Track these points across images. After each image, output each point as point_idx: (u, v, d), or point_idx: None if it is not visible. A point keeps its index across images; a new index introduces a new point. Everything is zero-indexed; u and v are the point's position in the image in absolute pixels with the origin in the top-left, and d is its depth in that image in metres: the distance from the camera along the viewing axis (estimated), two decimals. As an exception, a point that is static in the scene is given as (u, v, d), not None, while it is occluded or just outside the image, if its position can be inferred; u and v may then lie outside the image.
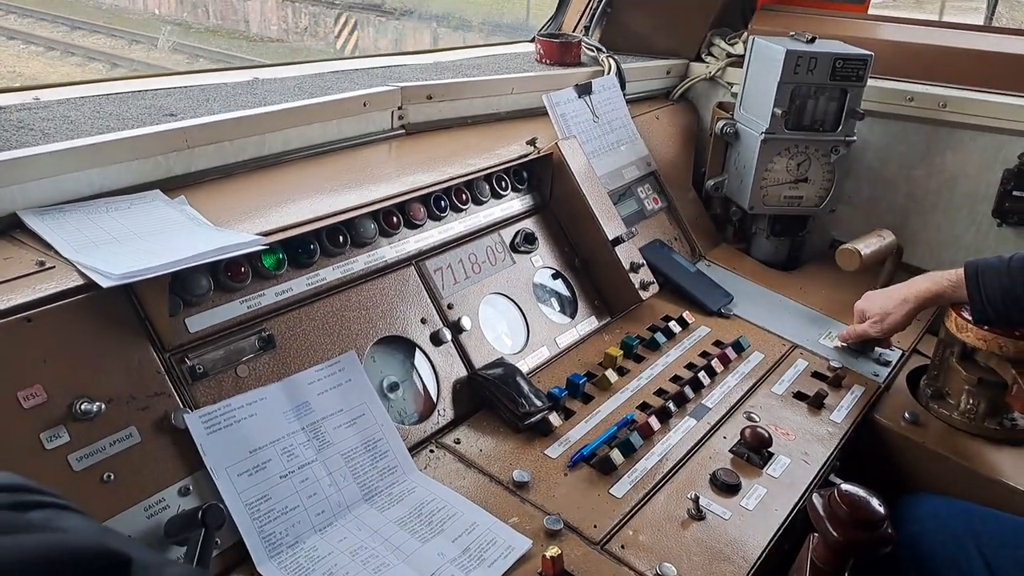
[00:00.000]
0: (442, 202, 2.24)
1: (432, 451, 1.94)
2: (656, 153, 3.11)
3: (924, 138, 3.03)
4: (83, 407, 1.47)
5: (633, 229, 2.62)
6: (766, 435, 2.04)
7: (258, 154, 2.24)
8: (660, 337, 2.46)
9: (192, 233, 1.78)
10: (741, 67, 3.09)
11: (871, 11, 3.63)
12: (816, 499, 1.61)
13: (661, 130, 3.25)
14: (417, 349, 2.06)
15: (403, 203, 2.14)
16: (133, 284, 1.56)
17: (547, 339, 2.34)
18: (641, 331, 2.50)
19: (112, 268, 1.54)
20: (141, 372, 1.59)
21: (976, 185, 2.95)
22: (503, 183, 2.43)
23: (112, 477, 1.49)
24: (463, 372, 2.11)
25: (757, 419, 2.20)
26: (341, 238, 1.98)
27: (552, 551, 1.62)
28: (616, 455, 1.94)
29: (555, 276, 2.49)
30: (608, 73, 3.10)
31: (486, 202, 2.37)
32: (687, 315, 2.60)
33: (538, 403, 2.03)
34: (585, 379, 2.21)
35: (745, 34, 3.32)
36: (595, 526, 1.76)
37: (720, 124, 3.12)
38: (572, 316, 2.45)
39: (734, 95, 3.21)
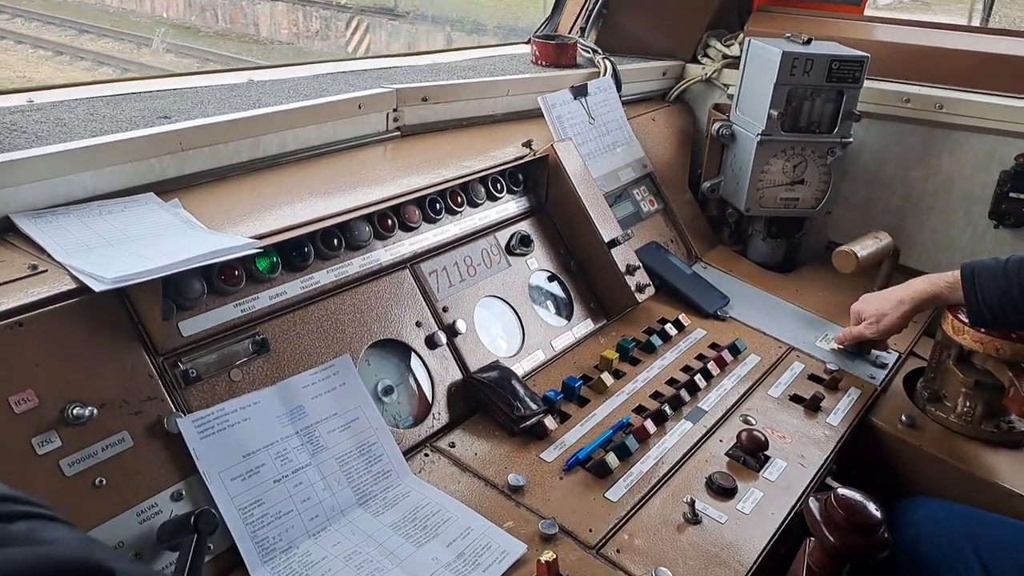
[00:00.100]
0: (437, 204, 2.23)
1: (427, 455, 1.94)
2: (652, 155, 3.10)
3: (920, 140, 3.02)
4: (75, 412, 1.46)
5: (629, 231, 2.62)
6: (762, 438, 2.03)
7: (252, 156, 2.23)
8: (656, 340, 2.46)
9: (186, 236, 1.77)
10: (737, 69, 3.08)
11: (878, 15, 3.62)
12: (812, 503, 1.61)
13: (657, 132, 3.24)
14: (412, 352, 2.06)
15: (398, 205, 2.13)
16: (126, 288, 1.55)
17: (542, 342, 2.33)
18: (637, 334, 2.50)
19: (105, 272, 1.53)
20: (134, 376, 1.58)
21: (972, 186, 2.95)
22: (499, 185, 2.42)
23: (104, 482, 1.48)
24: (458, 375, 2.10)
25: (753, 422, 2.20)
26: (335, 241, 1.97)
27: (547, 555, 1.61)
28: (612, 459, 1.93)
29: (551, 279, 2.48)
30: (604, 75, 3.10)
31: (481, 204, 2.36)
32: (683, 317, 2.59)
33: (533, 406, 2.02)
34: (581, 382, 2.20)
35: (741, 35, 3.32)
36: (590, 530, 1.75)
37: (716, 126, 3.11)
38: (568, 319, 2.45)
39: (730, 97, 3.20)
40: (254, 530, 1.59)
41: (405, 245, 2.14)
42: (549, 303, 2.45)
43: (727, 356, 2.43)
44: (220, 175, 2.16)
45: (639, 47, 3.47)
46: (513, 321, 2.32)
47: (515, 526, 1.74)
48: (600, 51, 3.24)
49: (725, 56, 3.34)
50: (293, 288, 1.88)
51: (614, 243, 2.50)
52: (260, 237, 1.81)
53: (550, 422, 2.04)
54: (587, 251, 2.53)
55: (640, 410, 2.18)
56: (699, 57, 3.44)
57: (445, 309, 2.16)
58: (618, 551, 1.72)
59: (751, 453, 2.03)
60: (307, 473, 1.71)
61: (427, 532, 1.69)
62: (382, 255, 2.08)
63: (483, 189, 2.37)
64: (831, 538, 1.54)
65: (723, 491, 1.92)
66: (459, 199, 2.30)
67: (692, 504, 1.83)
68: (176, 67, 17.50)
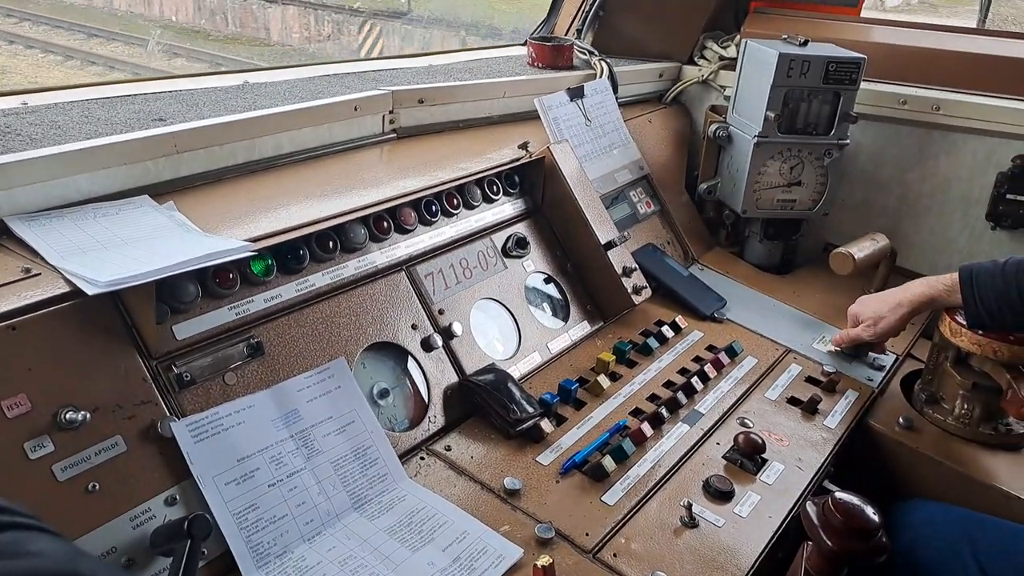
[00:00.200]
0: (433, 207, 2.22)
1: (423, 458, 1.93)
2: (649, 157, 3.10)
3: (917, 141, 3.02)
4: (68, 416, 1.46)
5: (626, 233, 2.61)
6: (759, 441, 2.03)
7: (248, 159, 2.23)
8: (653, 342, 2.45)
9: (180, 239, 1.76)
10: (734, 70, 3.08)
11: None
12: (810, 507, 1.60)
13: (654, 133, 3.24)
14: (408, 355, 2.05)
15: (394, 208, 2.12)
16: (119, 291, 1.54)
17: (539, 344, 2.32)
18: (634, 336, 2.49)
19: (98, 275, 1.52)
20: (127, 380, 1.57)
21: (969, 188, 2.95)
22: (495, 187, 2.41)
23: (97, 487, 1.47)
24: (454, 378, 2.10)
25: (750, 425, 2.19)
26: (331, 244, 1.96)
27: (543, 560, 1.61)
28: (608, 462, 1.93)
29: (547, 281, 2.48)
30: (600, 76, 3.09)
31: (478, 207, 2.35)
32: (680, 320, 2.58)
33: (529, 409, 2.01)
34: (577, 385, 2.19)
35: (738, 37, 3.31)
36: (587, 534, 1.75)
37: (713, 127, 3.11)
38: (564, 321, 2.44)
39: (727, 98, 3.20)
40: (248, 535, 1.58)
41: (401, 247, 2.13)
42: (545, 305, 2.44)
43: (724, 358, 2.43)
44: (215, 177, 2.15)
45: (635, 49, 3.47)
46: (509, 323, 2.31)
47: (511, 530, 1.73)
48: (596, 53, 3.24)
49: (722, 58, 3.34)
50: (288, 291, 1.87)
51: (611, 245, 2.50)
52: (255, 240, 1.80)
53: (546, 425, 2.03)
54: (583, 253, 2.52)
55: (637, 413, 2.17)
56: (695, 59, 3.43)
57: (441, 312, 2.15)
58: (615, 555, 1.71)
59: (748, 456, 2.03)
60: (302, 477, 1.70)
61: (423, 536, 1.68)
62: (378, 257, 2.07)
63: (479, 191, 2.37)
64: (829, 542, 1.53)
65: (720, 494, 1.91)
66: (455, 201, 2.29)
67: (689, 508, 1.82)
68: (188, 72, 17.42)
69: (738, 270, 3.06)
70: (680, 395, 2.22)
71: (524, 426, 1.99)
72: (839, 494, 1.59)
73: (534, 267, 2.44)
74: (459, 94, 2.75)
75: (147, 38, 19.32)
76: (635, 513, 1.84)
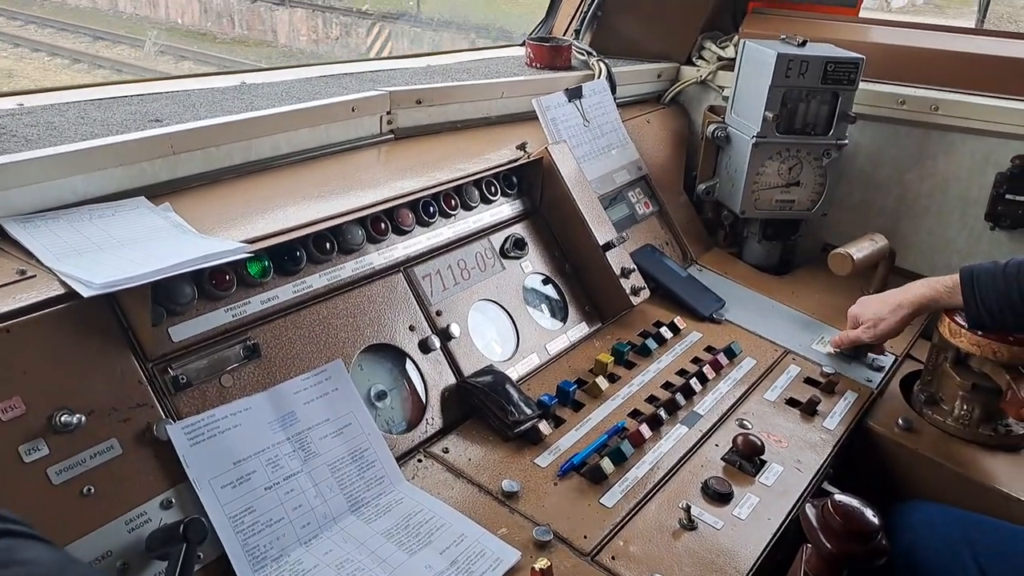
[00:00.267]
0: (431, 208, 2.22)
1: (420, 460, 1.92)
2: (647, 157, 3.09)
3: (916, 141, 3.01)
4: (63, 419, 1.45)
5: (624, 234, 2.61)
6: (758, 443, 2.02)
7: (245, 160, 2.22)
8: (651, 343, 2.45)
9: (176, 241, 1.76)
10: (732, 70, 3.07)
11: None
12: (809, 510, 1.59)
13: (652, 134, 3.23)
14: (405, 357, 2.04)
15: (391, 209, 2.12)
16: (115, 293, 1.53)
17: (537, 346, 2.31)
18: (632, 337, 2.48)
19: (93, 277, 1.52)
20: (123, 383, 1.57)
21: (968, 188, 2.94)
22: (493, 188, 2.40)
23: (92, 490, 1.46)
24: (452, 380, 2.09)
25: (749, 426, 2.19)
26: (328, 245, 1.95)
27: (541, 563, 1.60)
28: (607, 464, 1.92)
29: (545, 282, 2.47)
30: (598, 77, 3.08)
31: (475, 207, 2.35)
32: (678, 320, 2.58)
33: (528, 411, 2.01)
34: (575, 386, 2.19)
35: (736, 37, 3.31)
36: (585, 537, 1.74)
37: (711, 128, 3.10)
38: (562, 322, 2.43)
39: (725, 99, 3.19)
40: (245, 538, 1.57)
41: (398, 248, 2.13)
42: (544, 306, 2.44)
43: (723, 359, 2.42)
44: (212, 179, 2.14)
45: (634, 49, 3.46)
46: (507, 325, 2.30)
47: (509, 533, 1.72)
48: (595, 53, 3.23)
49: (720, 58, 3.33)
50: (285, 292, 1.86)
51: (609, 246, 2.49)
52: (252, 241, 1.79)
53: (544, 427, 2.02)
54: (582, 254, 2.52)
55: (635, 414, 2.17)
56: (694, 59, 3.43)
57: (439, 313, 2.14)
58: (613, 558, 1.70)
59: (747, 458, 2.02)
60: (299, 480, 1.69)
61: (420, 539, 1.68)
62: (375, 259, 2.06)
63: (477, 192, 2.36)
64: (828, 545, 1.53)
65: (719, 496, 1.91)
66: (453, 202, 2.29)
67: (688, 510, 1.82)
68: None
69: (737, 271, 3.05)
70: (679, 396, 2.21)
71: (522, 428, 1.98)
72: (838, 496, 1.58)
73: (532, 268, 2.43)
74: (457, 95, 2.75)
75: (156, 41, 19.21)
76: (634, 515, 1.83)
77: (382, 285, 2.06)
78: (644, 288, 2.56)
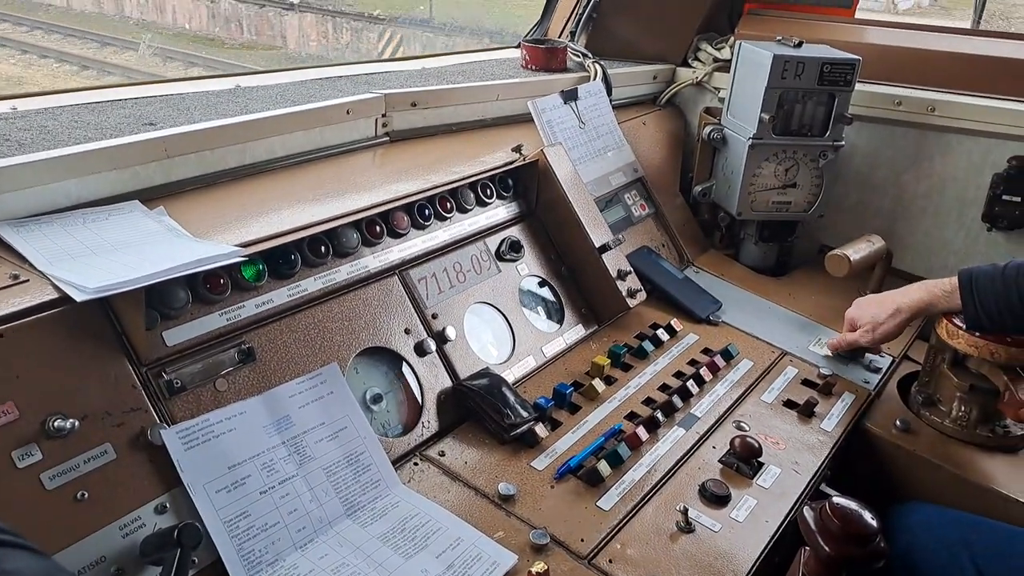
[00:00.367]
0: (426, 210, 2.21)
1: (416, 464, 1.91)
2: (643, 159, 3.09)
3: (912, 142, 3.01)
4: (57, 424, 1.44)
5: (620, 236, 2.60)
6: (756, 445, 2.02)
7: (239, 163, 2.21)
8: (648, 345, 2.44)
9: (170, 245, 1.75)
10: (728, 72, 3.07)
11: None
12: (807, 512, 1.59)
13: (648, 136, 3.23)
14: (401, 360, 2.03)
15: (386, 212, 2.11)
16: (109, 297, 1.53)
17: (533, 348, 2.31)
18: (628, 339, 2.48)
19: (87, 281, 1.51)
20: (117, 387, 1.56)
21: (965, 189, 2.94)
22: (488, 191, 2.40)
23: (86, 496, 1.46)
24: (448, 383, 2.08)
25: (747, 428, 2.18)
26: (323, 248, 1.95)
27: (538, 567, 1.60)
28: (603, 467, 1.91)
29: (541, 284, 2.46)
30: (594, 79, 3.08)
31: (471, 210, 2.34)
32: (675, 322, 2.57)
33: (524, 414, 2.00)
34: (572, 389, 2.19)
35: (732, 39, 3.30)
36: (582, 540, 1.73)
37: (707, 129, 3.10)
38: (559, 325, 2.43)
39: (721, 100, 3.19)
40: (240, 543, 1.56)
41: (394, 252, 2.12)
42: (540, 309, 2.43)
43: (720, 361, 2.42)
44: (206, 182, 2.13)
45: (629, 51, 3.46)
46: (503, 327, 2.30)
47: (506, 536, 1.72)
48: (590, 55, 3.23)
49: (716, 59, 3.33)
50: (280, 296, 1.86)
51: (605, 248, 2.49)
52: (246, 245, 1.79)
53: (541, 430, 2.01)
54: (578, 256, 2.51)
55: (632, 417, 2.16)
56: (690, 61, 3.42)
57: (434, 316, 2.14)
58: (610, 561, 1.70)
59: (745, 460, 2.02)
60: (294, 484, 1.69)
61: (416, 543, 1.67)
62: (370, 262, 2.06)
63: (473, 195, 2.35)
64: (826, 548, 1.52)
65: (716, 499, 1.90)
66: (448, 205, 2.28)
67: (685, 512, 1.81)
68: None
69: (733, 272, 3.05)
70: (676, 399, 2.20)
71: (518, 431, 1.98)
72: (837, 499, 1.58)
73: (528, 271, 2.43)
74: (452, 97, 2.74)
75: (167, 47, 19.04)
76: (631, 518, 1.82)
77: (377, 288, 2.06)
78: (640, 290, 2.56)
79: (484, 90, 2.84)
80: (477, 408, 2.03)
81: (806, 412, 2.27)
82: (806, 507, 1.61)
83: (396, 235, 2.13)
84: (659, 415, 2.13)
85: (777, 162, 2.95)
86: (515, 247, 2.39)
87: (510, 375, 2.19)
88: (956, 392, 2.31)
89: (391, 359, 2.03)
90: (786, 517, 1.89)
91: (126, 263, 1.61)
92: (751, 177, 2.97)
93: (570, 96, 2.85)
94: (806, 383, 2.44)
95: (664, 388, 2.29)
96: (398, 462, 1.89)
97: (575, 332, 2.45)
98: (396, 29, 20.83)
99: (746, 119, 2.94)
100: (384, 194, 2.16)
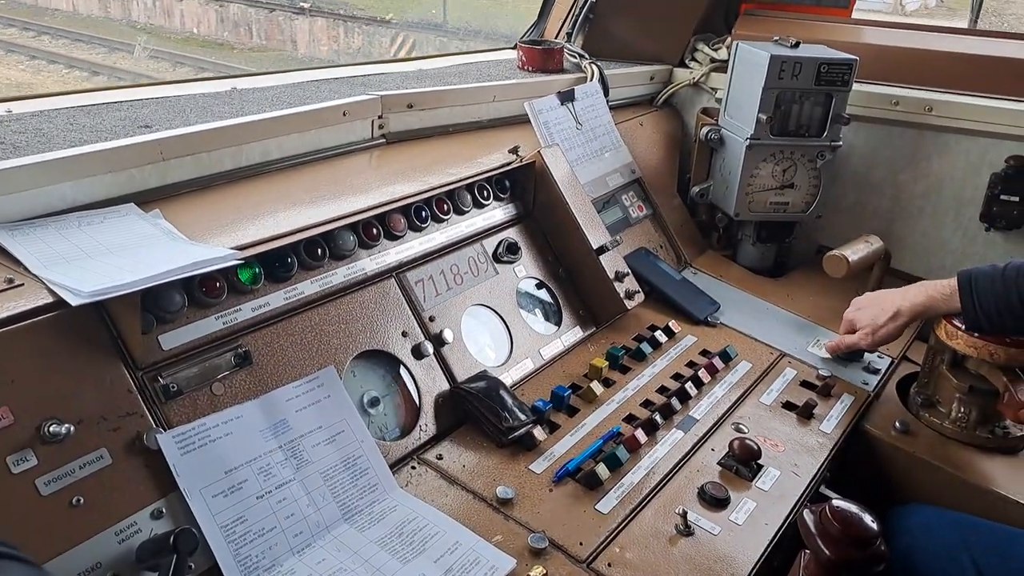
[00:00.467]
0: (423, 212, 2.20)
1: (414, 467, 1.91)
2: (640, 160, 3.08)
3: (910, 142, 3.00)
4: (52, 429, 1.43)
5: (618, 237, 2.59)
6: (755, 447, 2.01)
7: (235, 165, 2.20)
8: (646, 347, 2.43)
9: (166, 248, 1.74)
10: (725, 72, 3.07)
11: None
12: (807, 515, 1.58)
13: (645, 136, 3.22)
14: (398, 363, 2.02)
15: (383, 214, 2.10)
16: (104, 301, 1.52)
17: (531, 351, 2.30)
18: (627, 341, 2.47)
19: (82, 285, 1.50)
20: (112, 392, 1.55)
21: (963, 189, 2.93)
22: (485, 192, 2.39)
23: (82, 501, 1.45)
24: (445, 386, 2.07)
25: (745, 430, 2.17)
26: (319, 251, 1.94)
27: (537, 570, 1.60)
28: (602, 469, 1.90)
29: (539, 286, 2.46)
30: (591, 80, 3.07)
31: (468, 212, 2.33)
32: (673, 324, 2.57)
33: (522, 417, 1.99)
34: (570, 391, 2.17)
35: (728, 39, 3.30)
36: (581, 543, 1.73)
37: (705, 130, 3.09)
38: (556, 327, 2.42)
39: (718, 101, 3.18)
40: (237, 548, 1.55)
41: (391, 254, 2.11)
42: (537, 311, 2.42)
43: (718, 363, 2.41)
44: (202, 185, 2.12)
45: (626, 52, 3.45)
46: (501, 330, 2.29)
47: (504, 540, 1.71)
48: (587, 56, 3.22)
49: (713, 60, 3.32)
50: (276, 299, 1.85)
51: (602, 249, 2.48)
52: (242, 247, 1.78)
53: (539, 433, 2.00)
54: (575, 258, 2.50)
55: (630, 419, 2.15)
56: (686, 61, 3.42)
57: (432, 319, 2.13)
58: (609, 565, 1.69)
59: (744, 462, 2.01)
60: (291, 488, 1.68)
61: (414, 548, 1.66)
62: (367, 264, 2.05)
63: (469, 196, 2.35)
64: (827, 551, 1.51)
65: (716, 501, 1.89)
66: (445, 207, 2.27)
67: (684, 515, 1.80)
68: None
69: (731, 273, 3.04)
70: (674, 401, 2.20)
71: (516, 434, 1.97)
72: (837, 502, 1.57)
73: (525, 272, 2.42)
74: (449, 98, 2.73)
75: (176, 52, 18.85)
76: (629, 521, 1.81)
77: (374, 291, 2.05)
78: (638, 292, 2.55)
79: (481, 91, 2.84)
80: (475, 411, 2.02)
81: (805, 414, 2.27)
82: (806, 510, 1.60)
83: (393, 237, 2.13)
84: (658, 417, 2.12)
85: (775, 163, 2.95)
86: (512, 249, 2.38)
87: (508, 378, 2.18)
88: (955, 393, 2.30)
89: (388, 362, 2.02)
90: (785, 520, 1.88)
91: (121, 266, 1.60)
92: (749, 178, 2.96)
93: (567, 97, 2.84)
94: (805, 384, 2.43)
95: (662, 390, 2.28)
96: (396, 466, 1.88)
97: (573, 334, 2.44)
98: (408, 33, 20.64)
99: (743, 120, 2.93)
100: (381, 196, 2.15)
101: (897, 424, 2.33)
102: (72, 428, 1.45)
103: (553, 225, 2.51)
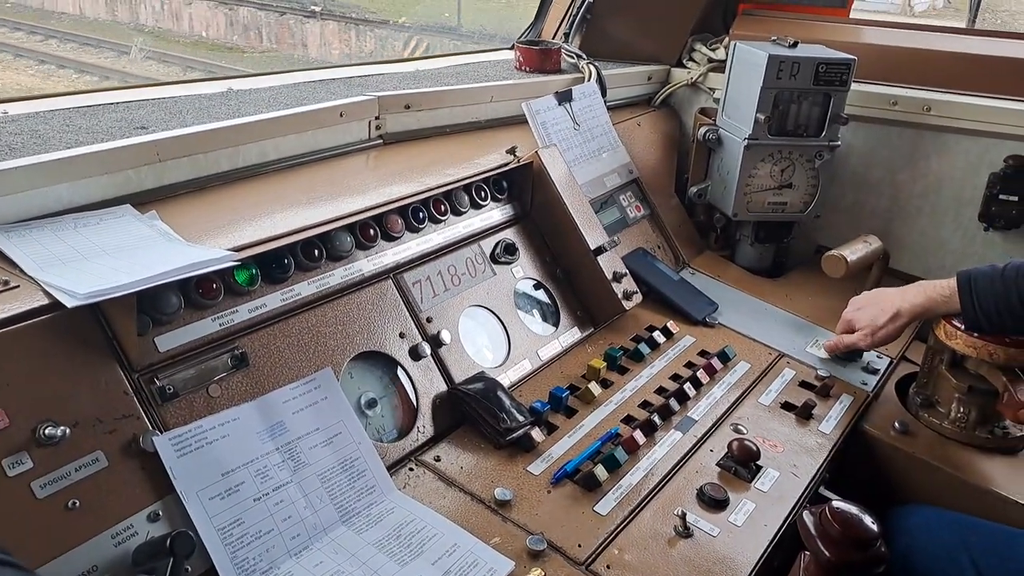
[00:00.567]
0: (420, 213, 2.20)
1: (412, 469, 1.90)
2: (638, 160, 3.07)
3: (908, 142, 3.00)
4: (47, 431, 1.42)
5: (615, 238, 2.59)
6: (754, 448, 2.00)
7: (232, 167, 2.20)
8: (644, 348, 2.42)
9: (162, 249, 1.74)
10: (723, 72, 3.06)
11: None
12: (807, 517, 1.57)
13: (643, 137, 3.22)
14: (396, 364, 2.02)
15: (380, 215, 2.10)
16: (100, 303, 1.51)
17: (529, 351, 2.29)
18: (625, 342, 2.46)
19: (77, 287, 1.49)
20: (108, 394, 1.54)
21: (962, 189, 2.93)
22: (483, 193, 2.38)
23: (78, 504, 1.44)
24: (443, 387, 2.07)
25: (744, 431, 2.17)
26: (316, 252, 1.93)
27: (535, 572, 1.59)
28: (600, 471, 1.90)
29: (536, 287, 2.45)
30: (588, 80, 3.07)
31: (465, 213, 2.33)
32: (671, 325, 2.56)
33: (520, 418, 1.98)
34: (568, 392, 2.17)
35: (726, 39, 3.29)
36: (579, 545, 1.72)
37: (702, 130, 3.09)
38: (554, 327, 2.41)
39: (716, 101, 3.18)
40: (234, 551, 1.55)
41: (388, 255, 2.11)
42: (535, 312, 2.42)
43: (716, 364, 2.40)
44: (199, 186, 2.12)
45: (624, 52, 3.45)
46: (498, 331, 2.28)
47: (502, 542, 1.70)
48: (584, 56, 3.22)
49: (710, 60, 3.32)
50: (273, 300, 1.84)
51: (600, 250, 2.47)
52: (239, 249, 1.77)
53: (537, 434, 2.00)
54: (573, 259, 2.50)
55: (629, 420, 2.14)
56: (684, 61, 3.41)
57: (429, 319, 2.12)
58: (608, 567, 1.68)
59: (743, 463, 2.00)
60: (288, 490, 1.67)
61: (412, 550, 1.65)
62: (364, 265, 2.04)
63: (467, 197, 2.34)
64: (827, 553, 1.51)
65: (715, 503, 1.89)
66: (443, 207, 2.26)
67: (683, 517, 1.79)
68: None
69: (729, 274, 3.04)
70: (672, 401, 2.19)
71: (514, 435, 1.96)
72: (837, 503, 1.56)
73: (523, 273, 2.41)
74: (446, 99, 2.73)
75: (184, 56, 18.70)
76: (628, 523, 1.81)
77: (371, 292, 2.04)
78: (636, 292, 2.54)
79: (478, 92, 2.83)
80: (472, 413, 2.01)
81: (804, 414, 2.26)
82: (806, 511, 1.59)
83: (390, 238, 2.12)
84: (656, 418, 2.11)
85: (773, 163, 2.94)
86: (510, 250, 2.37)
87: (505, 379, 2.18)
88: (955, 393, 2.30)
89: (386, 363, 2.01)
90: (785, 521, 1.88)
91: (117, 268, 1.59)
92: (747, 178, 2.96)
93: (564, 97, 2.84)
94: (804, 385, 2.43)
95: (661, 391, 2.28)
96: (393, 468, 1.88)
97: (571, 335, 2.43)
98: (422, 37, 20.48)
99: (741, 120, 2.93)
100: (378, 197, 2.14)
101: (896, 424, 2.33)
102: (68, 430, 1.45)
103: (551, 226, 2.50)
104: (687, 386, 2.26)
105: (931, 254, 3.04)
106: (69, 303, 1.48)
